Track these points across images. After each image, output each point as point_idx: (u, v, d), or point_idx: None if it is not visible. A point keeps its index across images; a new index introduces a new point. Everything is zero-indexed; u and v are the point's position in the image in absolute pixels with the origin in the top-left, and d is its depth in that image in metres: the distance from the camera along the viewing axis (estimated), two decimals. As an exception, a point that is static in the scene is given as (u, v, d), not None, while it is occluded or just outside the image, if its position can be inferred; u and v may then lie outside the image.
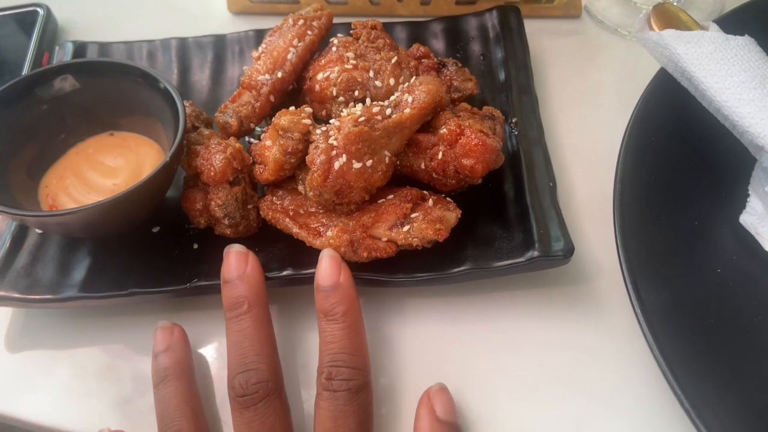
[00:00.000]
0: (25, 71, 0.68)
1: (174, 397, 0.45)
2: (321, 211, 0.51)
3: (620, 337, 0.49)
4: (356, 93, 0.53)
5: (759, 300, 0.46)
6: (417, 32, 0.67)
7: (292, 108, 0.51)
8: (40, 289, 0.51)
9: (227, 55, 0.67)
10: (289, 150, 0.49)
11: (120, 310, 0.53)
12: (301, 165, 0.50)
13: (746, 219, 0.49)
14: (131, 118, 0.56)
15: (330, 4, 0.72)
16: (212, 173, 0.50)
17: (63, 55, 0.67)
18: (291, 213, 0.51)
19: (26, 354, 0.52)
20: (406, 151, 0.51)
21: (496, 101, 0.60)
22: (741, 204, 0.50)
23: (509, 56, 0.62)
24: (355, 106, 0.51)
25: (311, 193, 0.48)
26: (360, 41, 0.56)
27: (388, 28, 0.61)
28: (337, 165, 0.47)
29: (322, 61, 0.56)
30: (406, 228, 0.48)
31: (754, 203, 0.49)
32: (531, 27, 0.66)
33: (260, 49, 0.58)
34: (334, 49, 0.56)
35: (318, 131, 0.49)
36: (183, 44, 0.68)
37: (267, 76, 0.56)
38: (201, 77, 0.66)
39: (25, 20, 0.74)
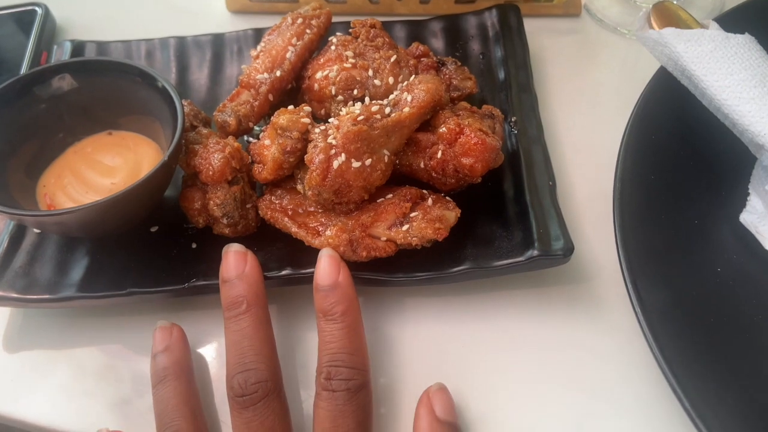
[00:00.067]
0: (23, 70, 0.68)
1: (173, 397, 0.45)
2: (320, 211, 0.50)
3: (620, 336, 0.49)
4: (355, 92, 0.53)
5: (759, 299, 0.46)
6: (416, 31, 0.67)
7: (290, 107, 0.51)
8: (38, 288, 0.51)
9: (226, 53, 0.67)
10: (288, 149, 0.49)
11: (118, 309, 0.53)
12: (300, 164, 0.50)
13: (746, 218, 0.49)
14: (129, 117, 0.56)
15: (329, 3, 0.72)
16: (211, 172, 0.50)
17: (61, 54, 0.67)
18: (290, 212, 0.51)
19: (24, 354, 0.52)
20: (406, 150, 0.51)
21: (495, 100, 0.60)
22: (741, 203, 0.50)
23: (509, 55, 0.62)
24: (354, 105, 0.51)
25: (310, 193, 0.48)
26: (359, 40, 0.56)
27: (387, 26, 0.61)
28: (336, 164, 0.47)
29: (321, 60, 0.56)
30: (405, 227, 0.48)
31: (754, 202, 0.49)
32: (530, 26, 0.65)
33: (259, 47, 0.58)
34: (333, 47, 0.56)
35: (317, 130, 0.48)
36: (181, 43, 0.67)
37: (266, 75, 0.56)
38: (199, 76, 0.66)
39: (23, 19, 0.74)
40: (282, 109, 0.50)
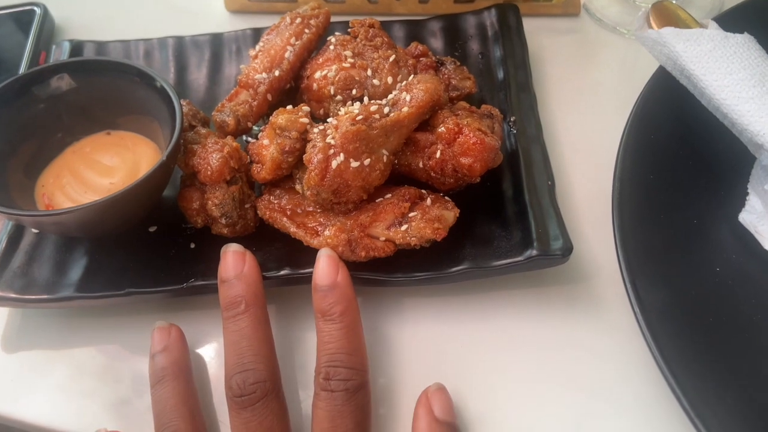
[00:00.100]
0: (22, 70, 0.68)
1: (171, 397, 0.45)
2: (318, 211, 0.50)
3: (619, 335, 0.49)
4: (354, 91, 0.53)
5: (758, 299, 0.46)
6: (415, 31, 0.66)
7: (289, 107, 0.51)
8: (37, 288, 0.51)
9: (224, 53, 0.67)
10: (287, 149, 0.49)
11: (117, 310, 0.53)
12: (299, 164, 0.50)
13: (745, 217, 0.49)
14: (128, 117, 0.56)
15: (328, 3, 0.72)
16: (209, 172, 0.50)
17: (60, 54, 0.67)
18: (288, 212, 0.51)
19: (23, 354, 0.52)
20: (404, 149, 0.51)
21: (494, 100, 0.60)
22: (740, 202, 0.50)
23: (508, 54, 0.62)
24: (352, 105, 0.51)
25: (309, 192, 0.48)
26: (358, 40, 0.56)
27: (386, 26, 0.61)
28: (334, 164, 0.46)
29: (320, 60, 0.56)
30: (404, 227, 0.48)
31: (753, 201, 0.49)
32: (530, 25, 0.65)
33: (257, 47, 0.58)
34: (331, 47, 0.56)
35: (315, 130, 0.48)
36: (180, 43, 0.67)
37: (264, 75, 0.56)
38: (198, 76, 0.66)
39: (22, 19, 0.74)
40: (281, 108, 0.50)
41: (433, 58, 0.58)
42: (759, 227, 0.48)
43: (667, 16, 0.53)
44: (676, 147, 0.52)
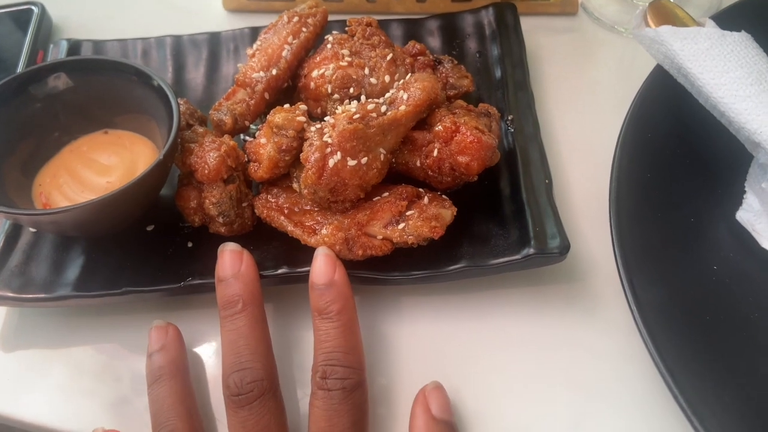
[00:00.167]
0: (19, 69, 0.68)
1: (168, 396, 0.45)
2: (316, 209, 0.50)
3: (616, 334, 0.49)
4: (351, 90, 0.53)
5: (755, 297, 0.46)
6: (413, 29, 0.66)
7: (286, 105, 0.51)
8: (34, 288, 0.51)
9: (222, 52, 0.67)
10: (284, 147, 0.48)
11: (114, 309, 0.53)
12: (296, 162, 0.50)
13: (743, 216, 0.49)
14: (125, 116, 0.56)
15: (325, 2, 0.72)
16: (206, 171, 0.50)
17: (57, 53, 0.67)
18: (286, 211, 0.51)
19: (20, 353, 0.52)
20: (402, 148, 0.51)
21: (492, 98, 0.60)
22: (737, 201, 0.50)
23: (505, 53, 0.62)
24: (350, 104, 0.51)
25: (306, 191, 0.48)
26: (355, 38, 0.56)
27: (383, 25, 0.61)
28: (331, 162, 0.46)
29: (317, 59, 0.56)
30: (401, 226, 0.48)
31: (750, 200, 0.49)
32: (527, 24, 0.65)
33: (255, 46, 0.58)
34: (329, 46, 0.56)
35: (313, 128, 0.48)
36: (178, 42, 0.67)
37: (261, 74, 0.56)
38: (196, 75, 0.66)
39: (19, 18, 0.74)
40: (278, 107, 0.50)
41: (431, 57, 0.58)
42: (756, 225, 0.48)
43: (664, 14, 0.53)
44: (673, 145, 0.52)
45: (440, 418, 0.43)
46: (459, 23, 0.66)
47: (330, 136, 0.47)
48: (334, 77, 0.53)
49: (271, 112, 0.50)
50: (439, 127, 0.50)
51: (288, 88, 0.58)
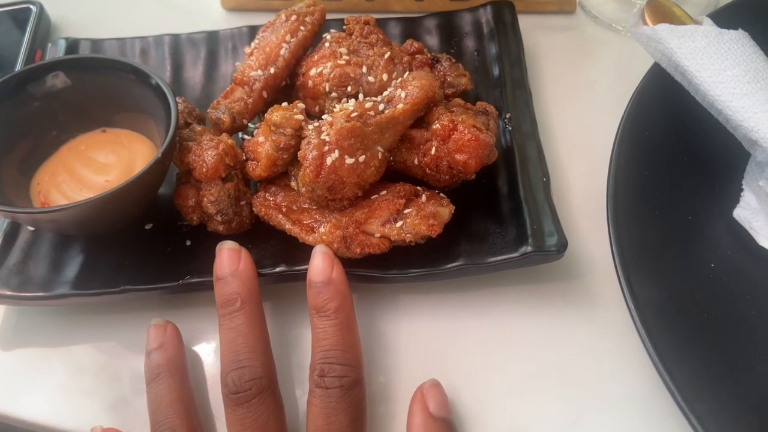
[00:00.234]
0: (18, 68, 0.68)
1: (166, 395, 0.45)
2: (314, 208, 0.50)
3: (614, 332, 0.49)
4: (349, 88, 0.53)
5: (753, 295, 0.46)
6: (411, 28, 0.66)
7: (284, 104, 0.51)
8: (33, 286, 0.51)
9: (220, 51, 0.67)
10: (282, 146, 0.49)
11: (113, 307, 0.53)
12: (294, 161, 0.50)
13: (740, 213, 0.49)
14: (123, 115, 0.56)
15: (323, 0, 0.71)
16: (204, 169, 0.50)
17: (56, 52, 0.66)
18: (284, 209, 0.51)
19: (19, 352, 0.52)
20: (399, 146, 0.51)
21: (489, 97, 0.60)
22: (735, 198, 0.50)
23: (503, 52, 0.62)
24: (347, 102, 0.51)
25: (304, 189, 0.48)
26: (353, 37, 0.56)
27: (381, 23, 0.61)
28: (329, 161, 0.46)
29: (315, 57, 0.56)
30: (399, 224, 0.48)
31: (747, 198, 0.49)
32: (525, 22, 0.65)
33: (253, 45, 0.58)
34: (327, 44, 0.56)
35: (310, 127, 0.48)
36: (176, 41, 0.67)
37: (259, 72, 0.56)
38: (194, 74, 0.66)
39: (18, 17, 0.73)
40: (276, 106, 0.50)
41: (429, 55, 0.58)
42: (754, 223, 0.48)
43: (662, 12, 0.53)
44: (670, 143, 0.52)
45: (438, 416, 0.43)
46: (457, 21, 0.66)
47: (328, 135, 0.47)
48: (332, 75, 0.53)
49: (269, 110, 0.50)
50: (437, 125, 0.50)
51: (286, 86, 0.58)
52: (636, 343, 0.44)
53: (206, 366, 0.50)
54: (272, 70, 0.56)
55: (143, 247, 0.53)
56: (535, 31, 0.68)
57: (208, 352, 0.51)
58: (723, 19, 0.51)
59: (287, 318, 0.52)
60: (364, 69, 0.53)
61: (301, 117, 0.49)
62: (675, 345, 0.42)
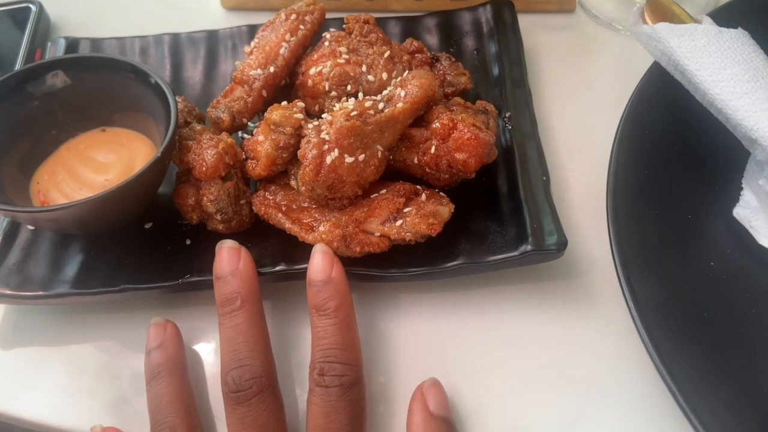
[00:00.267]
0: (17, 67, 0.68)
1: (166, 394, 0.45)
2: (314, 206, 0.50)
3: (614, 330, 0.49)
4: (349, 87, 0.53)
5: (752, 293, 0.46)
6: (410, 27, 0.66)
7: (284, 103, 0.51)
8: (32, 285, 0.51)
9: (220, 50, 0.67)
10: (281, 145, 0.49)
11: (113, 306, 0.53)
12: (294, 160, 0.50)
13: (740, 212, 0.49)
14: (123, 114, 0.56)
15: (323, -1, 0.72)
16: (204, 168, 0.50)
17: (55, 51, 0.66)
18: (283, 208, 0.51)
19: (19, 351, 0.52)
20: (399, 145, 0.51)
21: (489, 96, 0.60)
22: (734, 197, 0.50)
23: (503, 51, 0.62)
24: (347, 101, 0.51)
25: (303, 188, 0.48)
26: (353, 36, 0.56)
27: (381, 23, 0.61)
28: (329, 159, 0.46)
29: (315, 56, 0.56)
30: (398, 223, 0.48)
31: (747, 196, 0.49)
32: (525, 22, 0.65)
33: (252, 44, 0.58)
34: (326, 43, 0.56)
35: (310, 126, 0.48)
36: (176, 40, 0.67)
37: (259, 71, 0.56)
38: (194, 73, 0.66)
39: (17, 16, 0.73)
40: (275, 105, 0.50)
41: (428, 54, 0.58)
42: (753, 222, 0.48)
43: (661, 11, 0.53)
44: (670, 142, 0.52)
45: (438, 415, 0.43)
46: (457, 21, 0.66)
47: (327, 134, 0.47)
48: (331, 74, 0.53)
49: (269, 109, 0.50)
50: (437, 124, 0.50)
51: (286, 85, 0.58)
52: (636, 341, 0.44)
53: (206, 365, 0.50)
54: (272, 69, 0.56)
55: (143, 246, 0.53)
56: (535, 30, 0.68)
57: (208, 351, 0.51)
58: (723, 17, 0.51)
59: (287, 317, 0.52)
60: (364, 68, 0.53)
61: (300, 116, 0.49)
62: (675, 343, 0.42)
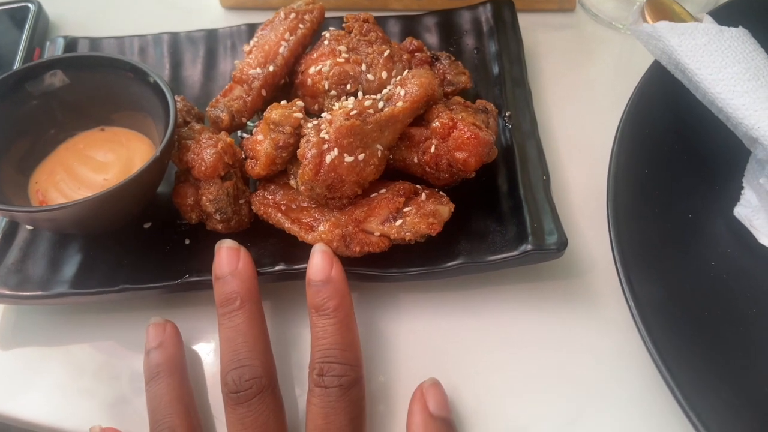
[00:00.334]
0: (16, 67, 0.68)
1: (166, 394, 0.45)
2: (313, 206, 0.50)
3: (614, 330, 0.49)
4: (348, 86, 0.53)
5: (753, 293, 0.46)
6: (410, 26, 0.66)
7: (283, 102, 0.51)
8: (31, 285, 0.51)
9: (219, 49, 0.67)
10: (281, 144, 0.48)
11: (112, 306, 0.53)
12: (293, 159, 0.49)
13: (740, 211, 0.49)
14: (122, 113, 0.56)
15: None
16: (203, 168, 0.50)
17: (54, 50, 0.66)
18: (283, 208, 0.51)
19: (18, 351, 0.52)
20: (399, 144, 0.51)
21: (489, 95, 0.60)
22: (735, 196, 0.50)
23: (503, 50, 0.62)
24: (347, 100, 0.51)
25: (303, 188, 0.48)
26: (352, 35, 0.56)
27: (381, 21, 0.60)
28: (328, 159, 0.46)
29: (314, 55, 0.56)
30: (398, 222, 0.48)
31: (748, 195, 0.49)
32: (525, 21, 0.65)
33: (252, 43, 0.57)
34: (326, 42, 0.56)
35: (309, 125, 0.48)
36: (175, 39, 0.67)
37: (258, 70, 0.55)
38: (193, 72, 0.65)
39: (16, 16, 0.73)
40: (275, 104, 0.50)
41: (428, 53, 0.58)
42: (754, 221, 0.48)
43: (662, 10, 0.53)
44: (671, 141, 0.52)
45: (438, 415, 0.43)
46: (456, 20, 0.66)
47: (327, 133, 0.47)
48: (331, 74, 0.53)
49: (268, 108, 0.50)
50: (437, 123, 0.50)
51: (285, 84, 0.58)
52: (636, 341, 0.44)
53: (206, 365, 0.50)
54: (271, 69, 0.55)
55: (142, 246, 0.53)
56: (535, 29, 0.68)
57: (207, 351, 0.51)
58: (723, 16, 0.50)
59: (287, 317, 0.51)
60: (364, 67, 0.53)
61: (300, 115, 0.49)
62: (675, 343, 0.42)
